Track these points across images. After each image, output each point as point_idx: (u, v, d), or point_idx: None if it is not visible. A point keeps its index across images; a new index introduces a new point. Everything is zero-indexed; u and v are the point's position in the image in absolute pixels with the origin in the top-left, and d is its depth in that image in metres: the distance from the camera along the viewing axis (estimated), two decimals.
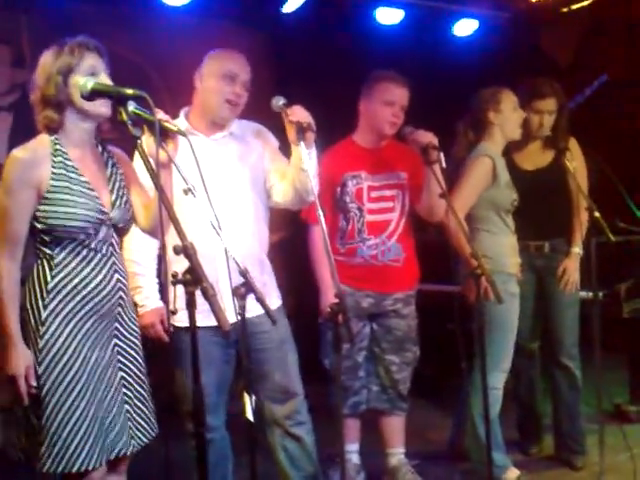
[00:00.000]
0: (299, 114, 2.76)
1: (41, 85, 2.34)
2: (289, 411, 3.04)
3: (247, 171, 2.99)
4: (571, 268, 3.76)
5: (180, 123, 2.90)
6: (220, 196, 2.81)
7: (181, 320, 2.45)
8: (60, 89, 2.32)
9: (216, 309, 1.98)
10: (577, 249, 3.77)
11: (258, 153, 3.03)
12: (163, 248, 2.11)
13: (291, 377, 3.05)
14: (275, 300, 3.06)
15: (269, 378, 3.01)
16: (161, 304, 2.91)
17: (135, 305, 2.70)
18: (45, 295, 2.32)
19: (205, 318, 2.20)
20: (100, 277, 2.38)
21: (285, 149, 2.99)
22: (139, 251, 2.91)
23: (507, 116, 3.55)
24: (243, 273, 2.32)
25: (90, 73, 2.32)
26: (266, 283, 3.00)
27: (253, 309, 2.60)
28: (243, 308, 2.36)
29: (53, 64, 2.32)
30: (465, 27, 5.41)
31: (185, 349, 2.73)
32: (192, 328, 2.06)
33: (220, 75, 2.91)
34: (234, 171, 2.97)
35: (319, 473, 3.18)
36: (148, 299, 2.94)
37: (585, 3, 5.33)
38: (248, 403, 2.43)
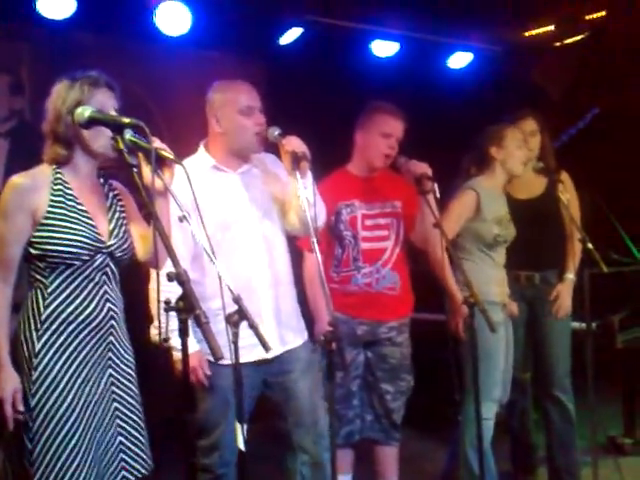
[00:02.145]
0: (294, 144, 2.80)
1: (51, 121, 2.37)
2: (317, 436, 2.99)
3: (272, 199, 3.02)
4: (564, 293, 3.77)
5: (205, 160, 2.95)
6: (257, 228, 2.92)
7: (225, 358, 2.36)
8: (69, 127, 2.34)
9: (209, 338, 1.98)
10: (571, 275, 3.78)
11: (277, 181, 3.03)
12: (157, 277, 2.12)
13: (316, 400, 3.03)
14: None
15: (296, 402, 2.98)
16: (199, 347, 2.76)
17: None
18: (39, 326, 2.32)
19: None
20: (92, 306, 2.36)
21: None
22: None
23: (510, 152, 3.58)
24: (236, 300, 2.32)
25: (98, 110, 2.32)
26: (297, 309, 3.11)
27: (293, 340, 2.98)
28: (236, 335, 2.36)
29: (63, 102, 2.34)
30: (460, 60, 5.45)
31: (224, 386, 2.77)
32: (184, 357, 2.06)
33: (240, 111, 2.90)
34: (264, 201, 2.99)
35: None
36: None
37: (578, 37, 5.39)
38: (240, 433, 2.42)
